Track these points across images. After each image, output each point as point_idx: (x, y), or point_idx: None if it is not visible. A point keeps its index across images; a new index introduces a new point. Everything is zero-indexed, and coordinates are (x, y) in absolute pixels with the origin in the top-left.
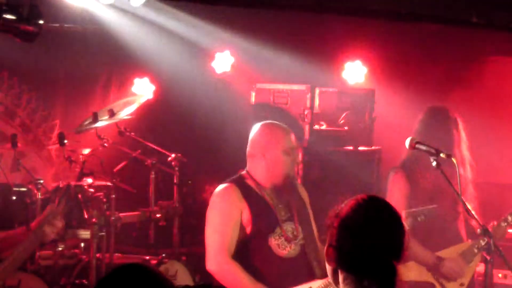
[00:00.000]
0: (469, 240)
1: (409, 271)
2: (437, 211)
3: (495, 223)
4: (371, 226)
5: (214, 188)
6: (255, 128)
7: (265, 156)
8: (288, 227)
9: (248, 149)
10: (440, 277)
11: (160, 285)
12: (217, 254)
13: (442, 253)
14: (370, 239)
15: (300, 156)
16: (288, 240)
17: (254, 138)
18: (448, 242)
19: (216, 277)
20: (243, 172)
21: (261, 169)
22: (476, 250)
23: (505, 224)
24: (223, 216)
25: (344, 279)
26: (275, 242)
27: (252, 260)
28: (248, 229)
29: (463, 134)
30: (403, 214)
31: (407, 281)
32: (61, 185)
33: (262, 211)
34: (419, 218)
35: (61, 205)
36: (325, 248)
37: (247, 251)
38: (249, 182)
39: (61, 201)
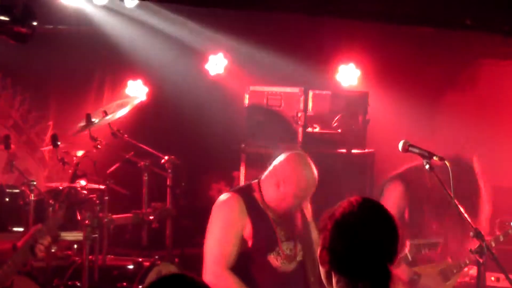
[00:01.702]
0: (449, 259)
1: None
2: (442, 244)
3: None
4: (365, 229)
5: (220, 186)
6: (287, 155)
7: (278, 187)
8: (288, 246)
9: (270, 167)
10: None
11: None
12: (214, 265)
13: (421, 269)
14: (364, 241)
15: (309, 200)
16: (287, 259)
17: (279, 164)
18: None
19: None
20: (254, 182)
21: (271, 192)
22: (455, 271)
23: (494, 243)
24: (225, 228)
25: (337, 282)
26: (273, 258)
27: (250, 273)
28: (249, 244)
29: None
30: (407, 244)
31: None
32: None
33: (264, 229)
34: (423, 250)
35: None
36: (319, 250)
37: (246, 264)
38: (256, 195)
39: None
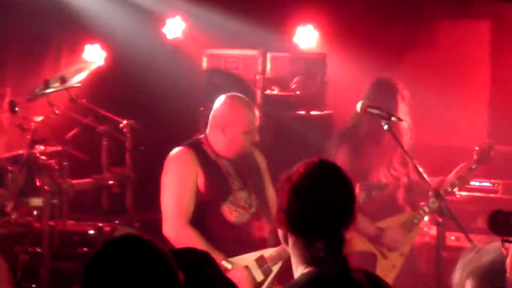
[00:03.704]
0: (409, 210)
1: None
2: (389, 186)
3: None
4: (321, 191)
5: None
6: (220, 100)
7: (224, 132)
8: (242, 195)
9: (210, 118)
10: (382, 247)
11: (155, 256)
12: (173, 219)
13: (383, 224)
14: (320, 203)
15: (257, 136)
16: (241, 208)
17: (217, 111)
18: (388, 213)
19: (172, 242)
20: (201, 136)
21: (218, 141)
22: (416, 221)
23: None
24: (180, 181)
25: (293, 243)
26: (227, 209)
27: (206, 225)
28: (203, 194)
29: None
30: (357, 187)
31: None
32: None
33: (216, 178)
34: (373, 192)
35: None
36: (275, 212)
37: (202, 216)
38: (206, 147)
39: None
